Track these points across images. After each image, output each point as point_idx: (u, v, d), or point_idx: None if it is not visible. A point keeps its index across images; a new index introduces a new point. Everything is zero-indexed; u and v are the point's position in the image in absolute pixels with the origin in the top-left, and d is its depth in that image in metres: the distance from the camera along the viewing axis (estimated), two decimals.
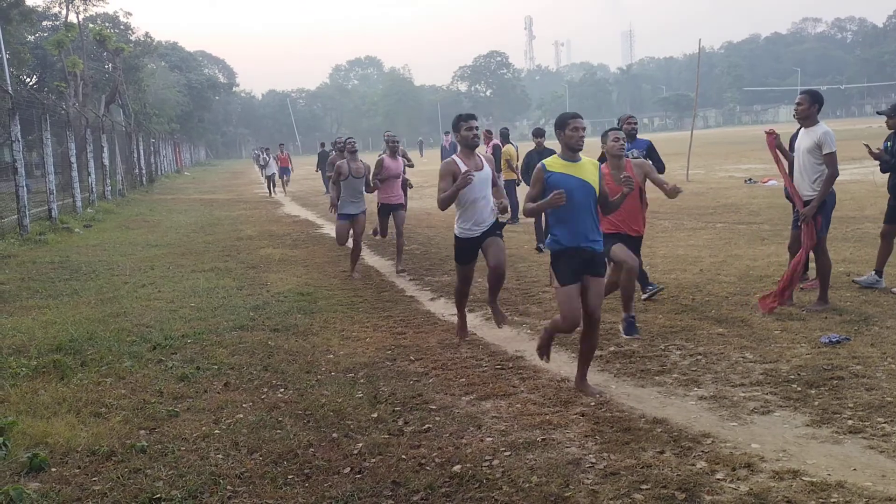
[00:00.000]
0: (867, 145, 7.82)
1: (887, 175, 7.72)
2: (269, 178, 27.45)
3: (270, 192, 27.17)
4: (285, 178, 28.48)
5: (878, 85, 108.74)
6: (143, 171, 33.73)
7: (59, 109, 20.13)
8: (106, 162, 23.74)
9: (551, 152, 10.58)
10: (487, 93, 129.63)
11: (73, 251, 12.95)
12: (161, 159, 43.69)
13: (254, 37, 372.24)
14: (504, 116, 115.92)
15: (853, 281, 7.70)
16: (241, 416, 4.88)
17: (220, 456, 4.26)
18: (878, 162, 7.77)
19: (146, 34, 54.12)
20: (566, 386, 5.25)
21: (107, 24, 49.81)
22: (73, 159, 19.17)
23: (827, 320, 6.45)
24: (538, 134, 12.18)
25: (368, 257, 11.69)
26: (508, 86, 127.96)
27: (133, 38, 50.49)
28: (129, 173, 29.96)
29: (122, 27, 53.93)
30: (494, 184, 6.54)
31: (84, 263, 11.52)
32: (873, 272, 7.60)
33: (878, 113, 8.04)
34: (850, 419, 4.38)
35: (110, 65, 39.78)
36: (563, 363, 5.83)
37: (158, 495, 3.79)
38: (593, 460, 4.01)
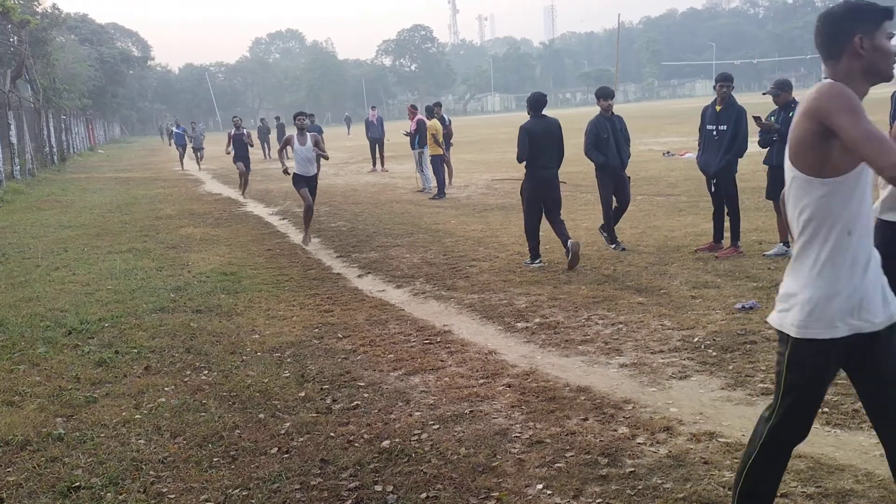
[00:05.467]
0: (757, 117, 7.71)
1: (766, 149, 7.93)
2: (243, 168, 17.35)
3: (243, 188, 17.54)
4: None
5: (789, 59, 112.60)
6: (55, 150, 32.27)
7: None
8: (14, 140, 22.61)
9: (620, 119, 9.04)
10: (412, 67, 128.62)
11: None
12: (73, 137, 41.91)
13: (169, 8, 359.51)
14: (429, 91, 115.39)
15: (763, 254, 7.99)
16: (163, 399, 4.77)
17: (141, 441, 4.16)
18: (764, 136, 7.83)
19: (53, 5, 51.37)
20: (493, 358, 5.32)
21: None
22: None
23: (740, 287, 6.71)
24: (607, 95, 8.88)
25: (294, 235, 11.52)
26: (433, 60, 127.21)
27: (39, 9, 47.93)
28: (38, 152, 28.60)
29: None
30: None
31: None
32: (780, 244, 7.92)
33: (763, 94, 8.01)
34: (762, 382, 4.58)
35: (15, 38, 37.69)
36: (490, 336, 5.89)
37: (77, 483, 3.68)
38: (519, 430, 4.08)
